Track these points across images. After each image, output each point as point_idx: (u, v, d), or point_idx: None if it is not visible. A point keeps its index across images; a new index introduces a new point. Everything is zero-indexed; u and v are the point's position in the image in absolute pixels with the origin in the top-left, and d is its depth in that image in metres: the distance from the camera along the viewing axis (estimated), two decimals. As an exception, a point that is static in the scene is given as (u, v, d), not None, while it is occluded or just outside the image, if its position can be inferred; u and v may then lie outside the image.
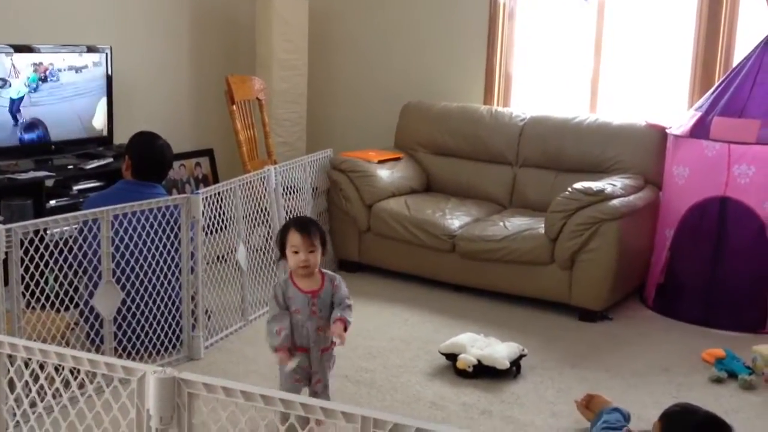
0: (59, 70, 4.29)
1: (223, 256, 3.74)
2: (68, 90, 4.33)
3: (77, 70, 4.37)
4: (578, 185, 3.97)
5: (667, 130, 4.18)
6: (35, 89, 4.17)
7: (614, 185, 4.02)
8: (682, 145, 4.01)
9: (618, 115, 4.58)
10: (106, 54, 4.47)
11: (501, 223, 4.24)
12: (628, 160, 4.37)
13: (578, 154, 4.52)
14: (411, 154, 5.00)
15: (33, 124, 4.17)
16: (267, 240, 4.14)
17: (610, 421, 2.61)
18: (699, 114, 3.97)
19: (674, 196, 4.08)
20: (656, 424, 2.13)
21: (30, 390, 1.63)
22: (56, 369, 1.60)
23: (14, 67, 4.08)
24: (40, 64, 4.19)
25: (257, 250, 4.01)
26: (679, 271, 4.07)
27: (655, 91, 4.80)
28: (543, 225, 4.02)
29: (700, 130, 3.92)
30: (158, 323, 3.28)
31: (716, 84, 4.13)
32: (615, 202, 3.90)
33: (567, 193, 3.97)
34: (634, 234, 4.05)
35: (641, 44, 4.81)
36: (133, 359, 3.15)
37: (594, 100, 4.92)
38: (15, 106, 4.09)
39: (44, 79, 4.21)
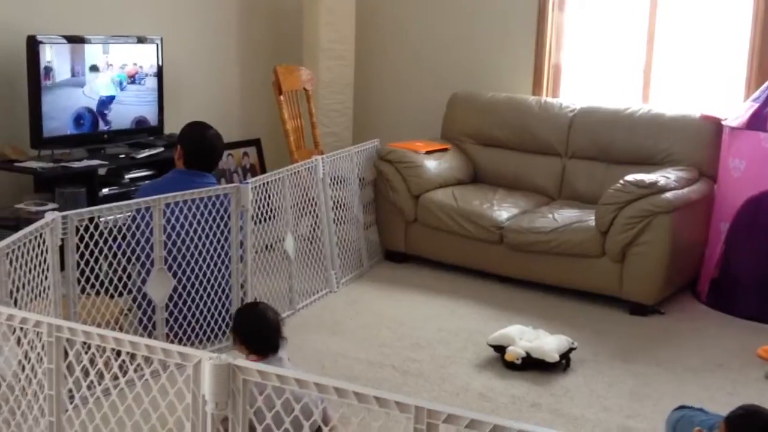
0: (146, 75, 4.44)
1: (271, 245, 3.75)
2: (150, 95, 4.51)
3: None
4: (630, 177, 3.90)
5: (723, 122, 4.08)
6: (123, 88, 4.31)
7: (667, 177, 3.94)
8: (738, 137, 3.91)
9: (671, 107, 4.48)
10: (157, 44, 4.52)
11: (550, 215, 4.18)
12: (682, 152, 4.28)
13: (630, 145, 4.44)
14: (458, 145, 4.97)
15: (95, 116, 4.26)
16: (314, 229, 4.15)
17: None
18: (756, 105, 3.87)
19: (729, 189, 3.98)
20: (721, 426, 2.09)
21: (88, 373, 1.66)
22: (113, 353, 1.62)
23: (108, 63, 4.22)
24: (135, 64, 4.34)
25: (305, 239, 4.02)
26: (734, 266, 3.97)
27: (709, 81, 4.69)
28: (593, 217, 3.96)
29: (757, 121, 3.81)
30: (208, 310, 3.31)
31: (774, 74, 4.02)
32: (668, 194, 3.83)
33: (619, 185, 3.90)
34: (688, 227, 3.96)
35: (695, 33, 4.69)
36: (184, 345, 3.19)
37: (646, 91, 4.82)
38: (105, 104, 4.24)
39: (132, 81, 4.36)
